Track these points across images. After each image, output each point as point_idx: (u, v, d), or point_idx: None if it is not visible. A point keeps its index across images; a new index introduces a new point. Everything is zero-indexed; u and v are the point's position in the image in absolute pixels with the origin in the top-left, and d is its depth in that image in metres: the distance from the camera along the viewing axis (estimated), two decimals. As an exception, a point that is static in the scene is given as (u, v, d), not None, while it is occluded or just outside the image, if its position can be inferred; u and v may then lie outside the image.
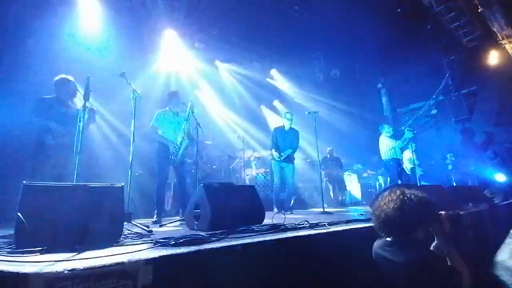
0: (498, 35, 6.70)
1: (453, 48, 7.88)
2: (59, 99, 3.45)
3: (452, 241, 1.61)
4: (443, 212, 1.67)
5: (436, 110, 8.95)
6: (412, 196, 1.65)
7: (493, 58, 7.18)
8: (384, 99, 10.46)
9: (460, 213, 1.81)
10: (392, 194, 1.71)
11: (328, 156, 7.95)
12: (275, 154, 4.93)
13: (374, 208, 1.76)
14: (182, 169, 4.05)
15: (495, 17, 6.25)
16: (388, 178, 6.56)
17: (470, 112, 7.92)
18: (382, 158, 6.23)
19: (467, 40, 7.37)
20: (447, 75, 8.25)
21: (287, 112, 5.38)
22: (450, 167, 8.23)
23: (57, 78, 3.49)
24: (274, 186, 4.93)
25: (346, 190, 7.76)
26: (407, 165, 6.97)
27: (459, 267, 1.54)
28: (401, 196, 1.66)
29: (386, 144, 6.09)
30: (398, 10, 7.03)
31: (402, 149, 6.46)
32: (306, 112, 5.07)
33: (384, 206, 1.67)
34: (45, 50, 5.01)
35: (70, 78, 3.53)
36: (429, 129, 9.05)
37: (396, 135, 6.18)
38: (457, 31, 7.18)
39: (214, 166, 6.83)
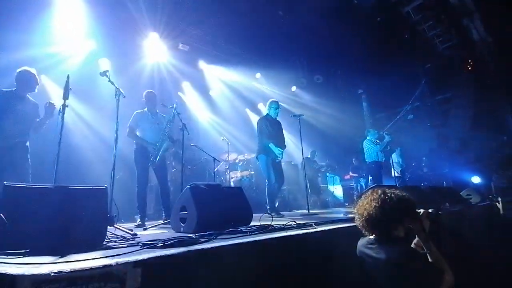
0: (476, 41, 7.09)
1: (430, 56, 8.31)
2: (17, 93, 3.26)
3: (431, 238, 1.69)
4: (422, 210, 1.75)
5: (412, 116, 9.37)
6: (393, 195, 1.73)
7: (469, 65, 7.63)
8: (364, 104, 10.83)
9: (439, 212, 1.90)
10: (374, 194, 1.78)
11: (309, 156, 8.12)
12: (277, 150, 4.24)
13: (357, 207, 1.83)
14: (162, 172, 3.97)
15: (475, 25, 6.63)
16: (370, 179, 6.81)
17: (444, 118, 8.37)
18: (366, 161, 6.50)
19: (444, 48, 7.80)
20: (423, 82, 8.69)
21: (273, 101, 4.74)
22: (425, 169, 8.65)
23: (18, 70, 3.30)
24: (267, 183, 4.26)
25: (319, 194, 7.86)
26: (396, 168, 7.31)
27: (440, 264, 1.60)
28: (382, 195, 1.73)
29: (369, 148, 6.43)
30: (378, 19, 7.33)
31: (389, 153, 6.80)
32: (291, 115, 5.10)
33: (367, 205, 1.74)
34: (25, 44, 4.78)
35: (32, 70, 3.35)
36: (406, 134, 9.45)
37: (378, 140, 6.47)
38: (434, 40, 7.59)
39: (194, 168, 6.74)
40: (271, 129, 4.44)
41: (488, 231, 3.60)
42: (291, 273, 1.72)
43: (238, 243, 1.57)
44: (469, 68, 7.61)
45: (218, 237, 1.75)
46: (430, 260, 1.63)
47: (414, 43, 7.88)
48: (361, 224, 1.77)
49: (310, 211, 4.53)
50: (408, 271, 1.54)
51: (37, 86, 3.39)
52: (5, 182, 1.59)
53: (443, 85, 8.36)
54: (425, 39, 7.49)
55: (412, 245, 1.83)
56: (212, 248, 1.47)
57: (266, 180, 4.31)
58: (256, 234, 1.89)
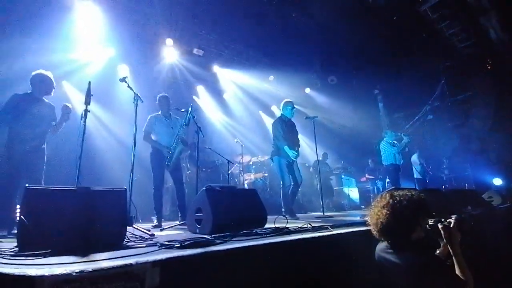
0: (494, 40, 6.83)
1: (449, 55, 8.04)
2: (33, 96, 3.30)
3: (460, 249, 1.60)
4: (452, 221, 1.64)
5: (432, 116, 9.08)
6: (401, 198, 1.66)
7: (488, 64, 7.34)
8: (380, 105, 10.59)
9: (462, 216, 1.82)
10: (383, 200, 1.72)
11: (321, 158, 8.02)
12: (291, 152, 4.18)
13: (369, 217, 1.77)
14: (177, 174, 4.04)
15: (491, 24, 6.39)
16: (387, 182, 6.65)
17: (465, 118, 8.05)
18: (383, 163, 6.34)
19: (462, 47, 7.52)
20: (443, 81, 8.40)
21: (288, 101, 4.66)
22: (446, 171, 8.34)
23: (34, 73, 3.33)
24: (282, 186, 4.21)
25: (332, 196, 7.73)
26: (417, 171, 7.12)
27: (465, 276, 1.52)
28: (390, 200, 1.67)
29: (386, 150, 6.25)
30: (394, 18, 7.17)
31: (409, 155, 6.59)
32: (305, 117, 5.06)
33: (379, 213, 1.68)
34: (47, 51, 5.01)
35: (48, 74, 3.39)
36: (426, 135, 9.16)
37: (396, 141, 6.30)
38: (452, 38, 7.33)
39: (209, 170, 6.82)
40: (286, 130, 4.40)
41: (510, 234, 3.42)
42: (306, 276, 1.70)
43: (253, 245, 1.57)
44: (488, 67, 7.30)
45: (233, 239, 1.77)
46: (456, 271, 1.55)
47: (432, 42, 7.63)
48: (378, 234, 1.71)
49: (325, 214, 4.46)
50: (432, 280, 1.48)
51: (53, 90, 3.41)
52: (26, 185, 1.64)
53: (463, 85, 8.05)
54: (443, 38, 7.24)
55: (438, 253, 1.76)
56: (227, 249, 1.48)
57: (281, 182, 4.27)
58: (271, 236, 1.89)
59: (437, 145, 8.77)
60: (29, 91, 3.31)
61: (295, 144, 4.41)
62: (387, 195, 1.72)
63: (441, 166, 8.36)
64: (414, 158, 7.25)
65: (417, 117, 9.38)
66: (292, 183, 4.27)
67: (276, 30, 7.50)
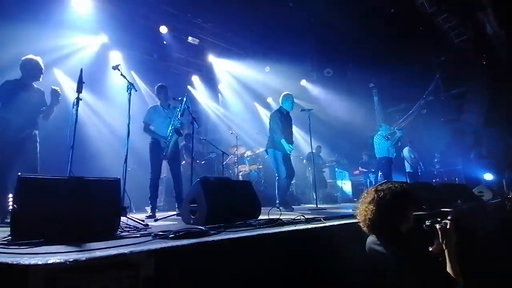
0: (490, 35, 6.86)
1: (444, 49, 8.06)
2: (22, 82, 3.23)
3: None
4: (449, 222, 1.66)
5: (425, 110, 9.16)
6: (385, 192, 1.68)
7: (483, 59, 7.39)
8: (375, 98, 10.64)
9: (449, 210, 1.85)
10: (369, 195, 1.75)
11: (314, 151, 8.07)
12: (287, 146, 4.22)
13: (358, 213, 1.80)
14: (175, 164, 4.04)
15: (488, 20, 6.41)
16: (379, 175, 6.75)
17: (458, 112, 8.15)
18: (376, 156, 6.41)
19: (459, 42, 7.54)
20: (437, 76, 8.45)
21: (289, 93, 4.67)
22: (437, 165, 8.49)
23: (23, 58, 3.27)
24: (277, 178, 4.27)
25: (325, 189, 7.80)
26: (408, 164, 7.24)
27: (456, 276, 1.55)
28: (375, 195, 1.69)
29: (379, 143, 6.33)
30: (392, 11, 7.13)
31: (400, 148, 6.68)
32: (300, 109, 5.06)
33: (366, 210, 1.71)
34: (38, 37, 4.88)
35: (37, 58, 3.31)
36: (419, 129, 9.27)
37: (390, 136, 6.39)
38: (449, 33, 7.34)
39: (202, 162, 6.81)
40: (284, 122, 4.41)
41: (499, 229, 3.53)
42: (299, 267, 1.74)
43: (246, 236, 1.59)
44: (483, 62, 7.36)
45: (226, 230, 1.78)
46: (448, 268, 1.58)
47: (429, 36, 7.63)
48: (367, 230, 1.74)
49: (318, 206, 4.53)
50: (421, 274, 1.51)
51: (41, 75, 3.34)
52: (19, 174, 1.62)
53: (457, 79, 8.11)
54: (440, 32, 7.24)
55: (431, 249, 1.80)
56: (220, 240, 1.49)
57: (276, 174, 4.31)
58: (264, 227, 1.91)
59: (430, 139, 8.89)
60: (18, 78, 3.23)
61: (290, 138, 4.44)
62: (372, 190, 1.75)
63: (433, 160, 8.51)
64: (405, 152, 7.36)
65: (411, 111, 9.46)
66: (287, 176, 4.29)
67: (272, 20, 7.40)
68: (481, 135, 7.52)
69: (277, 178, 4.30)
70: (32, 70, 3.25)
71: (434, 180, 7.84)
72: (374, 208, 1.66)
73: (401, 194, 1.67)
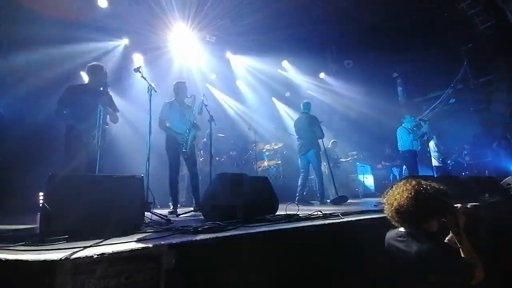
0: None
1: (470, 36, 7.53)
2: (87, 87, 3.30)
3: (465, 233, 1.60)
4: (459, 205, 1.64)
5: (454, 100, 8.66)
6: (428, 187, 1.63)
7: (508, 46, 6.83)
8: (400, 89, 10.20)
9: (476, 204, 1.77)
10: (407, 184, 1.70)
11: (330, 146, 7.90)
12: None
13: (387, 197, 1.76)
14: (191, 161, 4.05)
15: (508, 7, 5.95)
16: (404, 169, 6.50)
17: (488, 102, 7.62)
18: (399, 149, 6.19)
19: (484, 28, 7.02)
20: (465, 63, 7.93)
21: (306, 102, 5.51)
22: (467, 158, 8.03)
23: (90, 65, 3.38)
24: (303, 175, 5.08)
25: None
26: (436, 157, 6.93)
27: (472, 259, 1.52)
28: (416, 186, 1.65)
29: (402, 136, 6.07)
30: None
31: (426, 141, 6.40)
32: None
33: (398, 195, 1.67)
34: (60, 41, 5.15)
35: (101, 64, 3.44)
36: (447, 119, 8.78)
37: (415, 128, 6.12)
38: (474, 19, 6.86)
39: (222, 159, 6.89)
40: None
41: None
42: (315, 263, 1.75)
43: (263, 231, 1.63)
44: (509, 50, 6.80)
45: (244, 225, 1.83)
46: (462, 255, 1.56)
47: (454, 22, 7.16)
48: (390, 215, 1.70)
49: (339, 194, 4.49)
50: (439, 265, 1.49)
51: (106, 80, 3.39)
52: (50, 173, 1.69)
53: (485, 67, 7.55)
54: (465, 17, 6.79)
55: (446, 240, 1.75)
56: (238, 235, 1.54)
57: (302, 171, 5.07)
58: (282, 223, 1.93)
59: (459, 130, 8.40)
60: (84, 83, 3.36)
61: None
62: (413, 181, 1.70)
63: (462, 152, 8.05)
64: (432, 144, 7.00)
65: (438, 101, 8.97)
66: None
67: (289, 13, 7.27)
68: (510, 126, 6.99)
69: (302, 174, 5.03)
70: (102, 77, 3.35)
71: (463, 173, 7.44)
72: (410, 196, 1.62)
73: (442, 197, 1.63)
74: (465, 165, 7.94)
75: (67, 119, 3.13)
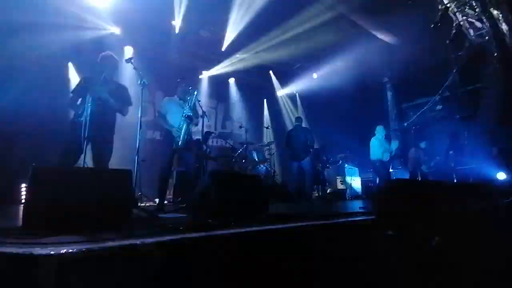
0: (504, 32, 6.56)
1: (461, 44, 7.74)
2: (99, 78, 3.19)
3: None
4: None
5: (441, 106, 8.89)
6: None
7: (499, 55, 7.06)
8: (389, 94, 10.38)
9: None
10: None
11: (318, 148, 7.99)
12: None
13: None
14: (186, 155, 3.98)
15: (502, 16, 6.15)
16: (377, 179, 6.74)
17: (474, 109, 7.85)
18: (371, 158, 6.46)
19: (475, 36, 7.22)
20: (454, 70, 8.15)
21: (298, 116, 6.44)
22: (452, 164, 8.27)
23: (102, 54, 3.28)
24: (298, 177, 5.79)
25: (324, 186, 7.76)
26: (411, 164, 7.21)
27: None
28: None
29: (374, 146, 6.39)
30: (409, 2, 6.89)
31: (407, 148, 6.68)
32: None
33: None
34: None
35: (111, 53, 3.33)
36: (434, 126, 9.02)
37: (386, 139, 6.55)
38: (466, 26, 7.04)
39: (214, 156, 6.83)
40: None
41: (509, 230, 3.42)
42: (304, 263, 1.74)
43: (252, 230, 1.60)
44: (499, 59, 7.03)
45: (234, 224, 1.80)
46: None
47: (445, 28, 7.34)
48: None
49: (325, 202, 4.53)
50: None
51: (116, 69, 3.40)
52: (33, 164, 1.62)
53: (474, 75, 7.80)
54: (457, 24, 6.97)
55: None
56: (227, 233, 1.51)
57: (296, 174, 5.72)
58: (272, 222, 1.92)
59: (444, 136, 8.64)
60: (96, 73, 3.22)
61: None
62: None
63: (448, 159, 8.29)
64: (411, 153, 7.34)
65: (425, 107, 9.18)
66: None
67: (281, 13, 7.24)
68: (496, 133, 7.25)
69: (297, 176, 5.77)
70: (108, 65, 3.27)
71: (446, 179, 7.65)
72: None
73: None
74: (450, 171, 8.18)
75: (77, 110, 3.03)
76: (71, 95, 3.12)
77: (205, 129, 4.13)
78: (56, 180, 1.69)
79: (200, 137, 4.12)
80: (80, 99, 3.08)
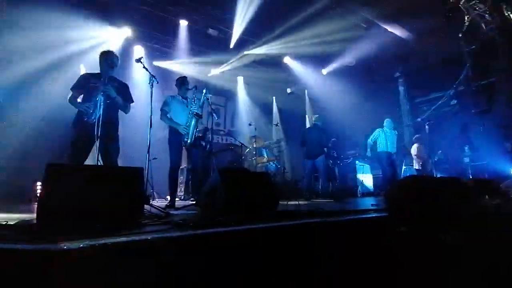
0: None
1: (474, 37, 7.47)
2: (99, 76, 3.24)
3: None
4: None
5: (455, 101, 8.64)
6: None
7: (508, 49, 6.79)
8: (401, 89, 10.16)
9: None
10: None
11: (330, 145, 7.90)
12: None
13: None
14: (195, 152, 4.02)
15: (510, 9, 5.92)
16: (403, 169, 6.70)
17: (489, 103, 7.58)
18: (377, 150, 6.63)
19: (487, 30, 6.96)
20: (468, 64, 7.88)
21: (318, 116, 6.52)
22: (467, 159, 8.04)
23: (101, 52, 3.29)
24: (307, 174, 6.11)
25: (335, 181, 7.70)
26: (416, 161, 7.26)
27: None
28: None
29: (380, 138, 6.59)
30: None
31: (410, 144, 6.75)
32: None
33: None
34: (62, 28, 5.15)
35: (112, 50, 3.34)
36: (448, 120, 8.77)
37: (393, 131, 6.69)
38: (477, 20, 6.81)
39: (223, 153, 6.86)
40: None
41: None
42: (312, 260, 1.73)
43: (261, 227, 1.61)
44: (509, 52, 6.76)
45: (243, 220, 1.80)
46: None
47: (457, 22, 7.10)
48: None
49: (336, 200, 4.50)
50: None
51: (116, 65, 3.31)
52: (47, 162, 1.64)
53: (488, 69, 7.52)
54: (469, 18, 6.74)
55: None
56: (236, 230, 1.52)
57: (307, 171, 6.00)
58: (281, 219, 1.91)
59: (459, 131, 8.40)
60: (97, 71, 3.27)
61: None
62: None
63: (462, 155, 8.06)
64: (414, 147, 7.36)
65: (440, 102, 8.93)
66: None
67: (290, 8, 7.18)
68: (510, 128, 6.99)
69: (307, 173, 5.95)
70: (110, 62, 3.25)
71: (463, 175, 7.45)
72: None
73: None
74: (465, 167, 7.96)
75: (79, 107, 3.05)
76: (71, 92, 3.10)
77: (214, 128, 4.14)
78: (70, 178, 1.72)
79: (210, 134, 4.15)
80: (80, 96, 3.10)
